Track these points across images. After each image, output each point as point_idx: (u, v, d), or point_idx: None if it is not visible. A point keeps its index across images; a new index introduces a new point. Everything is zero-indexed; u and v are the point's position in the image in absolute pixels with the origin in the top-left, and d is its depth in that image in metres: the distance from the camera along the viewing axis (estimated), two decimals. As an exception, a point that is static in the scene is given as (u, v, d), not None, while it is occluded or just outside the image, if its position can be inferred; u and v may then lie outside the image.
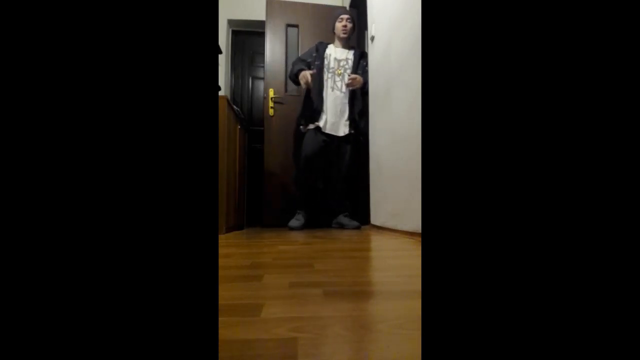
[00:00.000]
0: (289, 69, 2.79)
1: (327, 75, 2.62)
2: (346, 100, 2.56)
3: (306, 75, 2.48)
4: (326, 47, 2.68)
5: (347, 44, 2.68)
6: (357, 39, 3.03)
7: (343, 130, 2.53)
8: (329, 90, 2.58)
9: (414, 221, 1.57)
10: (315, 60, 2.61)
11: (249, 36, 3.66)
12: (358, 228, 2.39)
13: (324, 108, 2.54)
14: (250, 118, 3.58)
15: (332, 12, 2.76)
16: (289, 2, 3.03)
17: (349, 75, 2.52)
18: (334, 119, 2.53)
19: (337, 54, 2.65)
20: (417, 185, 1.54)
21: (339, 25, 2.64)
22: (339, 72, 2.61)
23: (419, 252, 1.15)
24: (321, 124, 2.51)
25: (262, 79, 3.49)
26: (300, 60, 2.65)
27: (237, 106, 3.29)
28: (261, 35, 3.30)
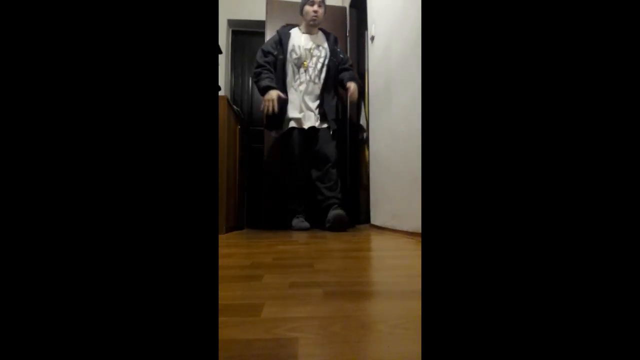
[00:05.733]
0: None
1: (292, 68, 2.32)
2: (318, 92, 2.31)
3: (272, 97, 2.15)
4: (289, 34, 2.35)
5: (315, 29, 2.37)
6: (357, 39, 3.03)
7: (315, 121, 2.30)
8: (296, 84, 2.30)
9: (414, 221, 1.57)
10: (279, 54, 2.31)
11: (249, 36, 3.67)
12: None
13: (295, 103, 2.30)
14: (250, 118, 3.58)
15: (330, 12, 2.71)
16: (289, 2, 3.03)
17: (321, 66, 2.28)
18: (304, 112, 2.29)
19: (304, 42, 2.34)
20: (417, 185, 1.54)
21: (309, 10, 2.28)
22: (305, 63, 2.31)
23: (419, 252, 1.15)
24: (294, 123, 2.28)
25: (262, 79, 3.49)
26: (264, 54, 2.32)
27: (237, 106, 3.29)
28: (261, 35, 3.30)
